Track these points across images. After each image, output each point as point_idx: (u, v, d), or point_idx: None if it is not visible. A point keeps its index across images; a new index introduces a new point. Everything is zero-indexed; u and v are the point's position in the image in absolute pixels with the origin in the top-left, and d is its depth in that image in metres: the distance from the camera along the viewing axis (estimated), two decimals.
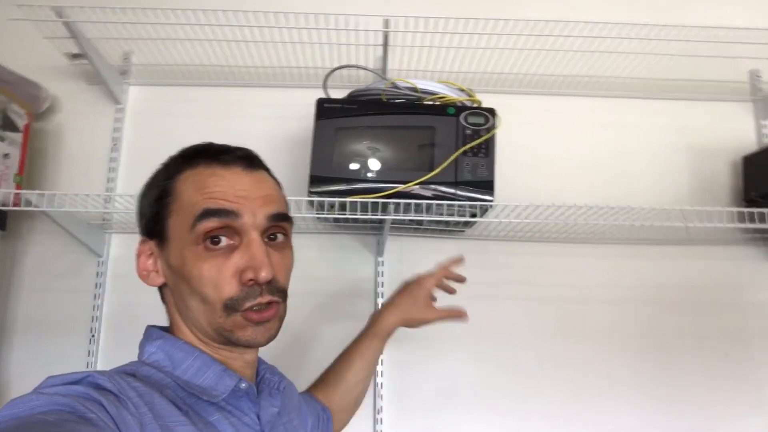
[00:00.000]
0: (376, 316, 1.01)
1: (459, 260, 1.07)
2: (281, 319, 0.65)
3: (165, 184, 0.64)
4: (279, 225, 0.64)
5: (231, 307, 0.60)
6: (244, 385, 0.63)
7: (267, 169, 0.69)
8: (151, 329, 0.66)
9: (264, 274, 0.59)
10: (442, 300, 1.06)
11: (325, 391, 0.95)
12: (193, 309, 0.62)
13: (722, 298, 1.42)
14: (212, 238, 0.59)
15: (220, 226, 0.59)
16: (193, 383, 0.61)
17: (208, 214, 0.59)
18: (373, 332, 0.99)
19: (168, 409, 0.55)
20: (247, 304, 0.60)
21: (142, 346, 0.65)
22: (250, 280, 0.59)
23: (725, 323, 1.41)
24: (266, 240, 0.63)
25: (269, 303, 0.62)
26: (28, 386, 0.50)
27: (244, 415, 0.63)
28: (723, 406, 1.36)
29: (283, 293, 0.65)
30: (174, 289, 0.64)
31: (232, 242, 0.60)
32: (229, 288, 0.59)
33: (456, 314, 1.03)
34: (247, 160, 0.65)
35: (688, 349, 1.39)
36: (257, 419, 0.64)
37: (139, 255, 0.65)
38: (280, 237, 0.65)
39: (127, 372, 0.59)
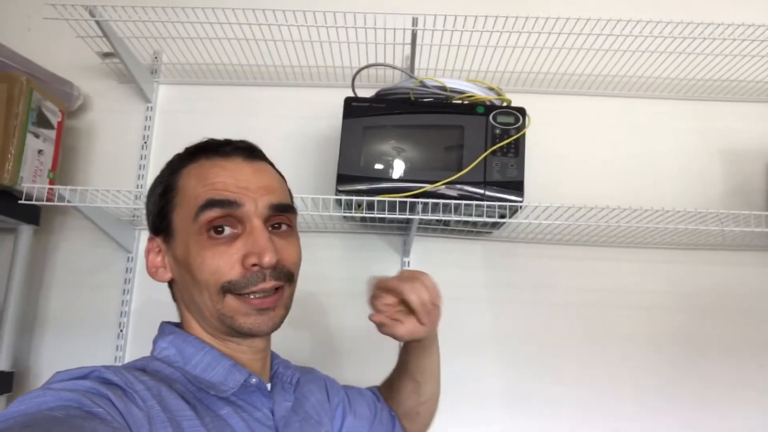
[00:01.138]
0: None
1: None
2: (286, 307, 0.65)
3: (168, 180, 0.65)
4: (281, 215, 0.65)
5: (227, 289, 0.60)
6: (254, 380, 0.63)
7: (269, 161, 0.70)
8: (164, 325, 0.67)
9: (268, 259, 0.59)
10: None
11: (390, 387, 0.90)
12: (197, 300, 0.62)
13: (757, 306, 1.38)
14: (215, 227, 0.60)
15: (222, 215, 0.60)
16: (202, 378, 0.61)
17: (210, 204, 0.60)
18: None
19: (176, 403, 0.55)
20: (247, 290, 0.60)
21: (155, 341, 0.65)
22: (254, 264, 0.60)
23: (760, 332, 1.36)
24: (270, 229, 0.63)
25: (275, 289, 0.62)
26: None
27: (256, 410, 0.63)
28: (757, 420, 1.32)
29: (289, 277, 0.64)
30: (180, 282, 0.65)
31: (235, 231, 0.61)
32: (231, 273, 0.60)
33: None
34: (248, 150, 0.66)
35: (720, 358, 1.35)
36: (271, 414, 0.64)
37: (147, 252, 0.67)
38: (284, 227, 0.66)
39: (137, 367, 0.59)
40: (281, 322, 0.64)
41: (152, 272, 0.66)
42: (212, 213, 0.60)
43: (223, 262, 0.59)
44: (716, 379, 1.34)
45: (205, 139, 0.67)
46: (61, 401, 0.46)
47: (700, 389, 1.33)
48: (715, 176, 1.45)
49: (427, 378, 0.85)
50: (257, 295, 0.61)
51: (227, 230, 0.60)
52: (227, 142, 0.66)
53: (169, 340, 0.64)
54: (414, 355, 0.83)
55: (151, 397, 0.53)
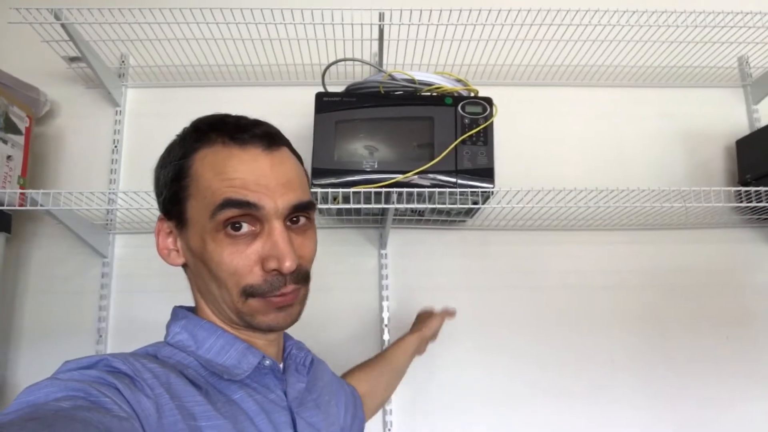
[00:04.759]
0: (414, 327, 1.17)
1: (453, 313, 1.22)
2: (303, 302, 0.65)
3: (181, 164, 0.62)
4: (301, 212, 0.63)
5: (250, 293, 0.59)
6: (268, 362, 0.63)
7: (286, 143, 0.67)
8: (177, 309, 0.67)
9: (288, 264, 0.58)
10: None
11: (364, 369, 1.02)
12: (215, 293, 0.61)
13: (721, 281, 1.44)
14: (233, 224, 0.59)
15: (241, 215, 0.58)
16: (215, 362, 0.61)
17: (228, 204, 0.58)
18: (413, 332, 1.13)
19: (185, 389, 0.54)
20: (270, 295, 0.59)
21: (168, 326, 0.65)
22: (274, 270, 0.59)
23: (725, 306, 1.42)
24: (288, 223, 0.62)
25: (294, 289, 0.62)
26: None
27: (270, 392, 0.63)
28: (725, 389, 1.37)
29: (306, 278, 0.64)
30: (195, 271, 0.64)
31: (253, 228, 0.59)
32: (251, 276, 0.59)
33: (449, 313, 1.21)
34: (266, 138, 0.62)
35: (689, 332, 1.40)
36: (284, 396, 0.64)
37: (158, 233, 0.65)
38: (302, 220, 0.64)
39: (148, 353, 0.59)
40: (299, 317, 0.64)
41: (164, 254, 0.65)
42: (230, 212, 0.58)
43: (242, 263, 0.58)
44: (686, 352, 1.39)
45: (218, 115, 0.64)
46: (68, 391, 0.45)
47: (672, 363, 1.38)
48: (678, 159, 1.50)
49: (401, 374, 1.11)
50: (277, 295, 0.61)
51: (245, 227, 0.59)
52: (243, 127, 0.62)
53: (182, 325, 0.63)
54: (408, 358, 1.11)
55: (159, 385, 0.52)
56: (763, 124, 1.48)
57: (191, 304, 0.69)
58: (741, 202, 1.24)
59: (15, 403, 0.44)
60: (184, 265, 0.66)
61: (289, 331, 0.67)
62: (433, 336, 1.19)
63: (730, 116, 1.54)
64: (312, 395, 0.70)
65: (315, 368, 0.76)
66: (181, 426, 0.51)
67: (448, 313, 1.21)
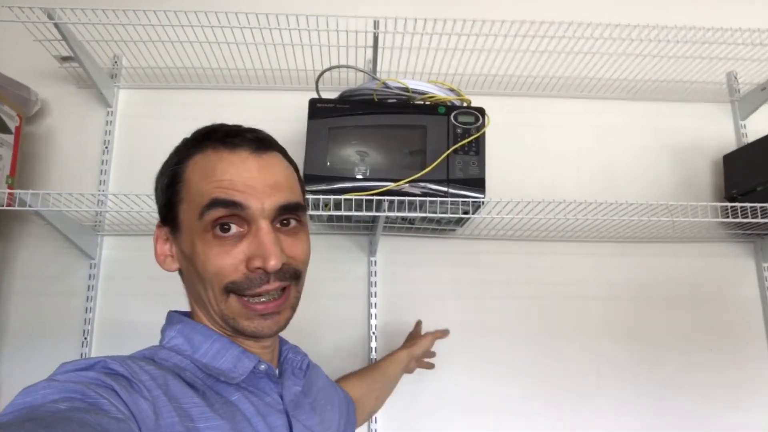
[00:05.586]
0: (405, 344, 1.21)
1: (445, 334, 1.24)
2: (292, 307, 0.65)
3: (175, 170, 0.63)
4: (290, 213, 0.63)
5: (230, 290, 0.60)
6: (263, 366, 0.63)
7: (280, 149, 0.67)
8: (172, 314, 0.67)
9: (273, 263, 0.58)
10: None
11: (357, 376, 1.06)
12: (202, 295, 0.62)
13: (707, 294, 1.46)
14: (221, 225, 0.59)
15: (228, 215, 0.59)
16: (212, 366, 0.61)
17: (215, 204, 0.59)
18: (404, 348, 1.17)
19: (183, 391, 0.55)
20: (250, 292, 0.60)
21: (163, 330, 0.65)
22: (258, 268, 0.59)
23: (710, 319, 1.44)
24: (278, 226, 0.62)
25: (283, 289, 0.62)
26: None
27: (266, 395, 0.63)
28: (709, 399, 1.39)
29: (296, 276, 0.64)
30: (187, 275, 0.64)
31: (241, 230, 0.60)
32: (234, 274, 0.59)
33: (441, 334, 1.23)
34: (256, 142, 0.63)
35: (675, 344, 1.42)
36: (280, 399, 0.64)
37: (156, 239, 0.66)
38: (293, 222, 0.64)
39: (145, 356, 0.59)
40: (287, 323, 0.64)
41: (160, 260, 0.65)
42: (217, 213, 0.58)
43: (227, 262, 0.59)
44: (672, 364, 1.40)
45: (215, 124, 0.65)
46: (65, 393, 0.45)
47: (658, 374, 1.39)
48: (666, 172, 1.52)
49: (392, 386, 1.14)
50: (261, 299, 0.60)
51: (234, 228, 0.59)
52: (235, 132, 0.63)
53: (177, 329, 0.64)
54: (399, 371, 1.13)
55: (156, 387, 0.53)
56: (750, 139, 1.50)
57: (179, 308, 0.69)
58: (727, 217, 1.25)
59: (12, 404, 0.44)
60: (180, 272, 0.67)
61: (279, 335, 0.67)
62: (423, 354, 1.21)
63: (718, 131, 1.56)
64: (308, 398, 0.70)
65: (311, 372, 0.76)
66: (178, 428, 0.51)
67: (440, 334, 1.22)
